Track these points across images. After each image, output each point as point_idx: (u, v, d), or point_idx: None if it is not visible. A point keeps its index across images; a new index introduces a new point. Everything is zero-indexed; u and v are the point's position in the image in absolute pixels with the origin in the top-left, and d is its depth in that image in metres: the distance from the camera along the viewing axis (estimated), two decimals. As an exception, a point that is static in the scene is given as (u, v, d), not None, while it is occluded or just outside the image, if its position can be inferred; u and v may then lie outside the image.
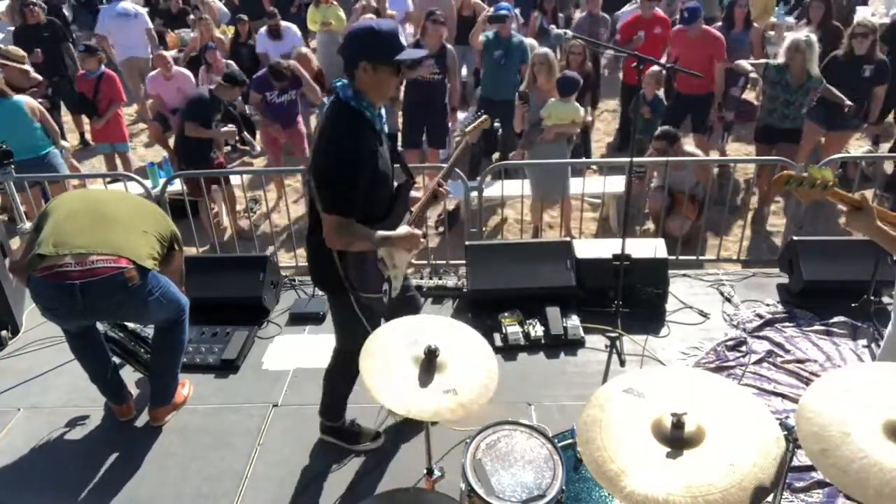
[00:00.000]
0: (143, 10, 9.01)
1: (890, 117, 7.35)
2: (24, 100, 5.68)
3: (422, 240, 2.78)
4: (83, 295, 2.84)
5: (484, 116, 3.03)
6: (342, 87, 2.54)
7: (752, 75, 8.26)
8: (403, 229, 2.69)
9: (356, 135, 2.51)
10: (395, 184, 2.77)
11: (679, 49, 6.67)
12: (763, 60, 5.95)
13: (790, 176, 2.13)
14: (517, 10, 8.09)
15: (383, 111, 2.67)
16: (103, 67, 6.90)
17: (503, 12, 6.59)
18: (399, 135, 7.23)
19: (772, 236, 5.82)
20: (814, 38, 5.39)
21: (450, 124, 6.82)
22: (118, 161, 7.25)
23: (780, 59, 5.53)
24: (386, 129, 2.69)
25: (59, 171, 5.77)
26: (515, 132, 6.21)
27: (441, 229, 6.08)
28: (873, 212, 2.13)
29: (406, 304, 3.01)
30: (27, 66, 6.46)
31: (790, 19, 9.86)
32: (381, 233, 2.59)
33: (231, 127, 6.16)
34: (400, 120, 7.17)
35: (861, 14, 9.19)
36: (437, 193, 2.91)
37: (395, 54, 2.47)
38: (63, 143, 6.41)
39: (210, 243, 5.78)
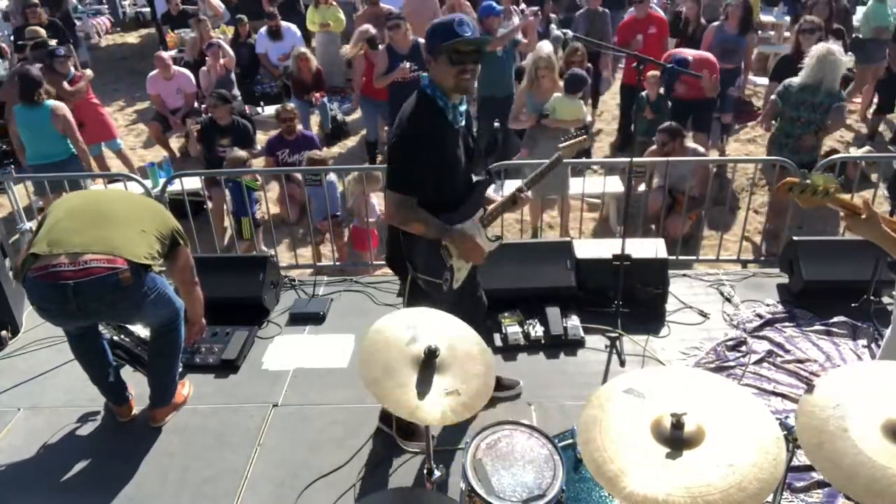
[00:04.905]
0: None
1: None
2: (53, 106, 5.72)
3: (485, 249, 2.82)
4: (76, 295, 2.80)
5: (583, 136, 3.00)
6: (424, 77, 2.68)
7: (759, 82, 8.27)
8: (469, 236, 2.74)
9: (423, 117, 2.60)
10: (475, 179, 2.83)
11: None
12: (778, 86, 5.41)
13: (793, 183, 2.14)
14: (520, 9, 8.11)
15: (464, 106, 2.72)
16: (73, 71, 6.87)
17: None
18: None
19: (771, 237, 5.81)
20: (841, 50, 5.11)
21: None
22: (117, 160, 7.23)
23: (802, 77, 5.11)
24: (462, 121, 2.73)
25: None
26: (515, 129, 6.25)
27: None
28: (876, 217, 2.13)
29: (473, 304, 3.03)
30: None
31: (789, 18, 9.85)
32: (445, 226, 2.67)
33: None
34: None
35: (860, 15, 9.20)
36: (516, 199, 2.89)
37: (446, 39, 2.51)
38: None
39: (210, 243, 5.78)
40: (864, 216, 2.12)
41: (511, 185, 5.36)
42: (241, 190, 5.44)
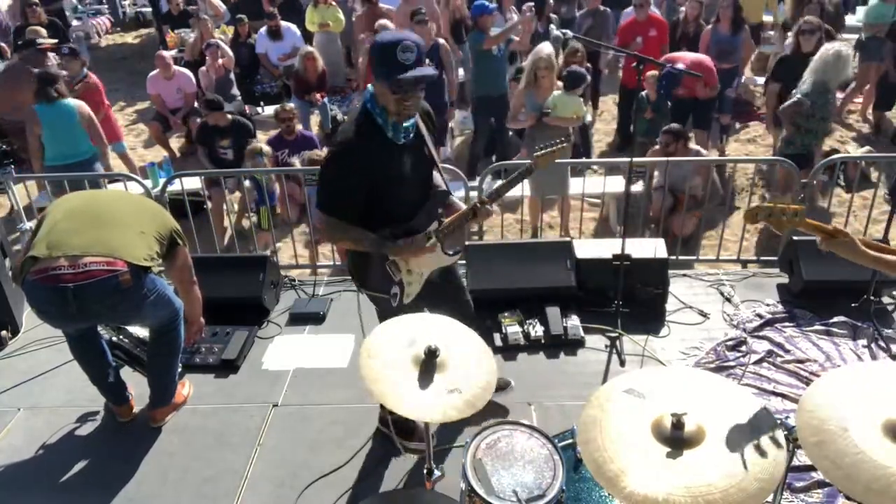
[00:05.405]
0: None
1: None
2: (78, 104, 5.68)
3: (444, 253, 2.74)
4: (76, 298, 2.80)
5: (563, 144, 2.78)
6: (368, 90, 2.57)
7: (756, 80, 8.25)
8: (408, 247, 2.63)
9: (357, 135, 2.53)
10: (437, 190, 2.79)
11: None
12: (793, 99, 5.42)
13: (759, 209, 2.12)
14: (514, 9, 8.12)
15: (410, 122, 2.58)
16: (85, 70, 6.85)
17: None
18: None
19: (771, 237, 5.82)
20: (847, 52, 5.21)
21: (448, 120, 6.84)
22: (119, 161, 7.23)
23: (810, 84, 5.21)
24: (408, 136, 2.60)
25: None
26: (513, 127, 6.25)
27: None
28: (851, 238, 2.13)
29: (459, 310, 2.90)
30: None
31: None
32: (382, 240, 2.61)
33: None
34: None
35: (852, 19, 9.21)
36: (476, 211, 2.68)
37: (392, 74, 2.39)
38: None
39: (210, 243, 5.78)
40: (845, 239, 2.12)
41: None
42: (257, 182, 5.59)
